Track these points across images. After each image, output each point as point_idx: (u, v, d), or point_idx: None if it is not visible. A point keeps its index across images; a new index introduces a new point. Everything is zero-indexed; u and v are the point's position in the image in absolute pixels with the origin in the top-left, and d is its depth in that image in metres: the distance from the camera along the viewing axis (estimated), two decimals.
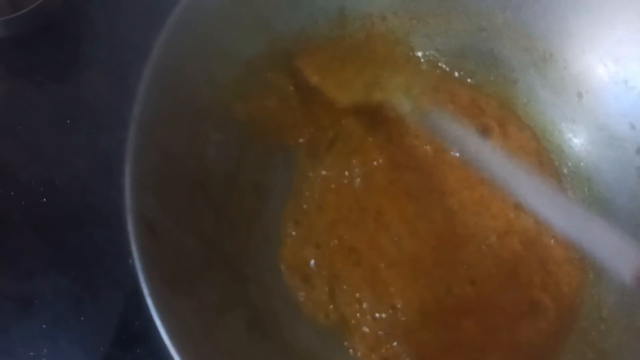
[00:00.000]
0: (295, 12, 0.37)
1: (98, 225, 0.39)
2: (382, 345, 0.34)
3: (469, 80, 0.41)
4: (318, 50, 0.38)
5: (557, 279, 0.36)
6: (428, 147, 0.38)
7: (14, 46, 0.43)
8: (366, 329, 0.35)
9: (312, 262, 0.36)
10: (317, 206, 0.37)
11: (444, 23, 0.40)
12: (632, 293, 0.35)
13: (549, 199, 0.28)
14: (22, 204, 0.40)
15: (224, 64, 0.34)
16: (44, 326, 0.37)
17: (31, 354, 0.36)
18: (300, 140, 0.38)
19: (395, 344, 0.34)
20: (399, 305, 0.35)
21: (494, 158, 0.31)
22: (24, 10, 0.40)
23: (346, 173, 0.38)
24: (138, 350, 0.37)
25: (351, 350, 0.35)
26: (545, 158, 0.39)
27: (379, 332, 0.35)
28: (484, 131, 0.39)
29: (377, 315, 0.35)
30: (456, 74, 0.41)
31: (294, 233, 0.37)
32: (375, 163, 0.38)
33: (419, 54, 0.41)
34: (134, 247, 0.27)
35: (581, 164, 0.39)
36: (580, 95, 0.39)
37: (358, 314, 0.35)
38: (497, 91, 0.41)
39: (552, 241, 0.37)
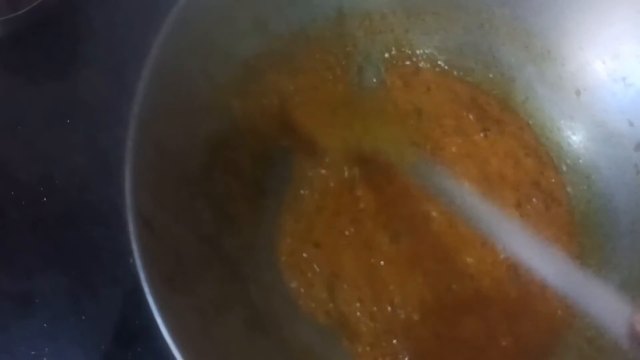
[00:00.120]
0: (293, 11, 0.37)
1: (97, 223, 0.39)
2: (381, 343, 0.34)
3: (468, 78, 0.41)
4: (310, 98, 0.38)
5: None
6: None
7: (12, 45, 0.43)
8: (365, 327, 0.35)
9: (311, 260, 0.36)
10: (316, 205, 0.37)
11: (443, 21, 0.40)
12: (631, 289, 0.35)
13: (542, 255, 0.28)
14: (22, 202, 0.40)
15: (222, 63, 0.34)
16: (44, 325, 0.37)
17: (32, 353, 0.36)
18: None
19: (394, 341, 0.34)
20: (398, 303, 0.35)
21: (488, 214, 0.31)
22: (23, 10, 0.40)
23: (345, 173, 0.38)
24: (138, 349, 0.37)
25: (351, 348, 0.35)
26: (545, 155, 0.39)
27: (378, 330, 0.35)
28: (484, 131, 0.39)
29: (376, 313, 0.35)
30: (455, 72, 0.41)
31: (292, 231, 0.37)
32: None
33: (418, 52, 0.41)
34: (134, 246, 0.27)
35: (580, 160, 0.39)
36: (578, 92, 0.39)
37: (357, 312, 0.35)
38: (495, 89, 0.41)
39: None
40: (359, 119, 0.37)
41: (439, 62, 0.41)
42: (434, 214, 0.36)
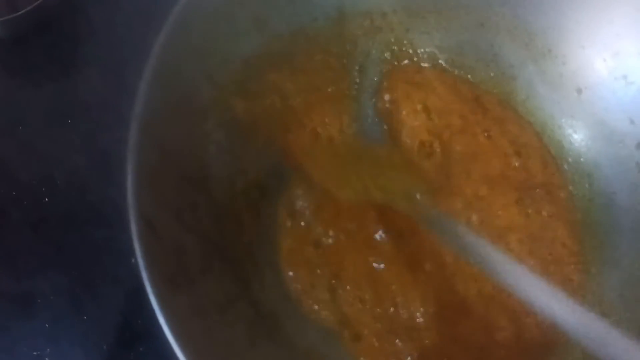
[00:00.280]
0: (293, 11, 0.37)
1: (99, 224, 0.39)
2: (384, 343, 0.34)
3: (468, 76, 0.41)
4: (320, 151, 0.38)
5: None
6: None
7: (12, 46, 0.43)
8: (368, 328, 0.35)
9: (312, 261, 0.36)
10: (317, 205, 0.37)
11: (443, 20, 0.40)
12: (633, 288, 0.35)
13: (559, 303, 0.28)
14: (23, 203, 0.40)
15: (222, 63, 0.34)
16: (46, 325, 0.37)
17: (34, 353, 0.36)
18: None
19: (397, 341, 0.34)
20: (400, 303, 0.35)
21: (503, 264, 0.31)
22: (22, 11, 0.40)
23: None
24: (140, 349, 0.37)
25: (354, 348, 0.35)
26: (547, 154, 0.39)
27: (381, 331, 0.34)
28: (486, 130, 0.39)
29: (378, 313, 0.35)
30: (456, 71, 0.41)
31: (293, 231, 0.37)
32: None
33: (419, 51, 0.41)
34: (136, 246, 0.27)
35: (581, 159, 0.39)
36: (579, 90, 0.39)
37: (359, 313, 0.35)
38: (496, 87, 0.41)
39: None
40: (368, 167, 0.37)
41: (440, 61, 0.41)
42: None
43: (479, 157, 0.38)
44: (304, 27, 0.38)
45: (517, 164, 0.39)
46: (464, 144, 0.39)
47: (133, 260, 0.27)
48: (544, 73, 0.40)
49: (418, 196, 0.35)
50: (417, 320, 0.35)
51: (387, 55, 0.41)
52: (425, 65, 0.41)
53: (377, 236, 0.36)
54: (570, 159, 0.39)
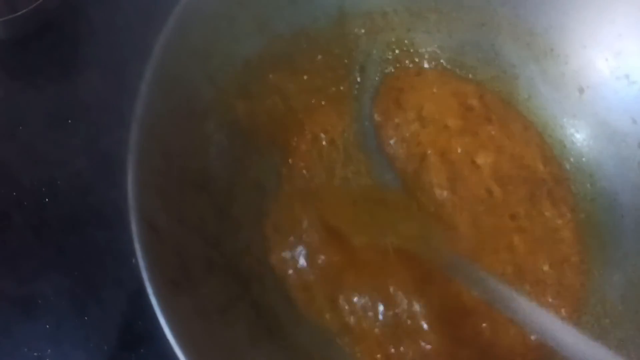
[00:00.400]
0: (294, 11, 0.37)
1: (100, 225, 0.39)
2: (386, 347, 0.34)
3: (470, 76, 0.41)
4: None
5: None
6: None
7: (12, 48, 0.43)
8: (370, 331, 0.34)
9: (314, 261, 0.36)
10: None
11: (445, 19, 0.40)
12: (635, 288, 0.35)
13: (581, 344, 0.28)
14: (24, 205, 0.40)
15: (223, 64, 0.34)
16: (47, 327, 0.37)
17: (35, 354, 0.36)
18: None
19: (401, 348, 0.34)
20: (402, 307, 0.35)
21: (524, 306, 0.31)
22: (22, 12, 0.40)
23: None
24: (142, 350, 0.37)
25: (355, 350, 0.34)
26: (549, 154, 0.39)
27: (382, 334, 0.34)
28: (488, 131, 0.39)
29: (380, 317, 0.34)
30: (457, 70, 0.41)
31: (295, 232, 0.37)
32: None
33: (420, 51, 0.41)
34: (137, 247, 0.27)
35: (583, 159, 0.39)
36: (581, 90, 0.39)
37: (360, 317, 0.34)
38: (498, 87, 0.41)
39: None
40: (382, 212, 0.37)
41: (441, 61, 0.41)
42: None
43: (480, 158, 0.38)
44: (305, 27, 0.38)
45: (518, 165, 0.38)
46: (464, 145, 0.39)
47: (133, 261, 0.27)
48: (545, 73, 0.40)
49: (435, 240, 0.35)
50: (420, 324, 0.34)
51: (388, 55, 0.41)
52: (426, 66, 0.41)
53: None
54: (572, 159, 0.39)
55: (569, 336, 0.28)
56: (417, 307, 0.34)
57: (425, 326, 0.34)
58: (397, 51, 0.41)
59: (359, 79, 0.40)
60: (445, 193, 0.37)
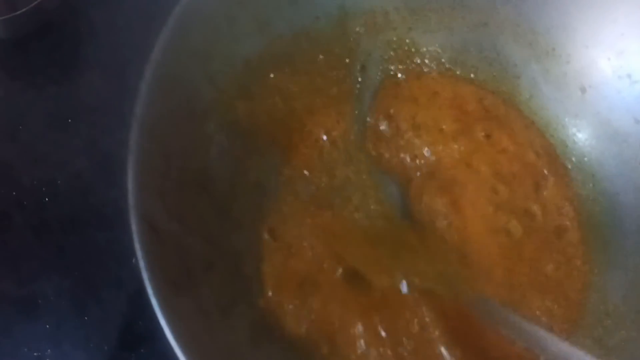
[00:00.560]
0: (295, 10, 0.37)
1: (100, 226, 0.39)
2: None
3: (471, 76, 0.41)
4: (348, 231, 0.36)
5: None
6: None
7: (12, 47, 0.43)
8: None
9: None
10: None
11: (446, 18, 0.40)
12: (638, 289, 0.35)
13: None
14: (24, 205, 0.40)
15: (224, 64, 0.34)
16: (47, 327, 0.37)
17: (35, 354, 0.36)
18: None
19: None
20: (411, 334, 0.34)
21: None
22: (21, 11, 0.40)
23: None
24: (142, 351, 0.37)
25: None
26: (553, 153, 0.39)
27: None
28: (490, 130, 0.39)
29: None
30: (458, 70, 0.41)
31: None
32: None
33: (422, 50, 0.41)
34: (137, 248, 0.27)
35: (585, 159, 0.39)
36: (583, 89, 0.39)
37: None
38: (499, 87, 0.40)
39: None
40: (401, 251, 0.36)
41: (442, 60, 0.41)
42: None
43: (483, 158, 0.38)
44: (305, 27, 0.38)
45: (520, 164, 0.38)
46: (465, 145, 0.38)
47: (133, 261, 0.27)
48: (547, 72, 0.39)
49: (456, 279, 0.34)
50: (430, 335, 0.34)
51: (389, 54, 0.41)
52: (427, 64, 0.41)
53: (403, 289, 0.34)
54: (574, 159, 0.39)
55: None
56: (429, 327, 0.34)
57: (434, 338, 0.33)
58: (398, 50, 0.41)
59: (359, 79, 0.40)
60: (445, 210, 0.36)
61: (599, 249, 0.37)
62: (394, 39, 0.40)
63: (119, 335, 0.37)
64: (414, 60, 0.41)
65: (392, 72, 0.40)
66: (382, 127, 0.39)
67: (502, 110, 0.40)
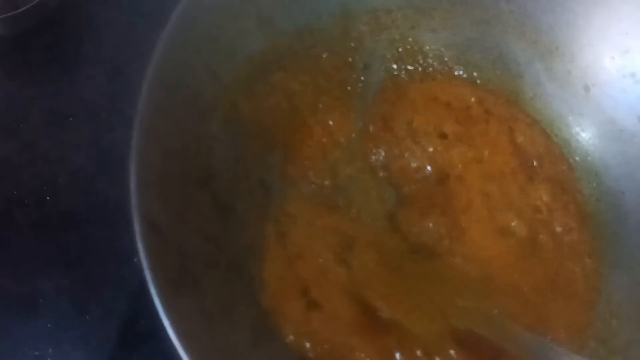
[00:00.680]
0: (298, 8, 0.37)
1: (101, 223, 0.39)
2: None
3: (474, 74, 0.41)
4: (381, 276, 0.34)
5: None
6: None
7: (13, 45, 0.43)
8: None
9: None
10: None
11: (449, 17, 0.40)
12: None
13: None
14: (25, 203, 0.39)
15: (227, 61, 0.34)
16: (48, 326, 0.37)
17: (36, 353, 0.36)
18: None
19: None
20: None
21: None
22: (23, 8, 0.40)
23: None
24: (143, 349, 0.37)
25: None
26: (558, 152, 0.39)
27: None
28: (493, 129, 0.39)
29: None
30: (462, 69, 0.41)
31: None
32: None
33: (425, 48, 0.41)
34: (139, 247, 0.26)
35: (589, 158, 0.39)
36: (587, 88, 0.39)
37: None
38: (503, 85, 0.40)
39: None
40: (436, 285, 0.34)
41: (445, 59, 0.41)
42: None
43: (485, 157, 0.38)
44: (309, 24, 0.37)
45: (523, 164, 0.38)
46: (464, 149, 0.38)
47: (135, 260, 0.27)
48: (551, 71, 0.39)
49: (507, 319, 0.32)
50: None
51: (392, 53, 0.40)
52: (430, 68, 0.40)
53: None
54: (577, 158, 0.39)
55: None
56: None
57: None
58: (401, 49, 0.40)
59: (362, 78, 0.40)
60: (444, 224, 0.36)
61: (603, 248, 0.37)
62: (397, 37, 0.40)
63: (120, 334, 0.37)
64: (417, 59, 0.41)
65: (395, 72, 0.40)
66: (380, 131, 0.39)
67: (503, 111, 0.40)
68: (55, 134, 0.41)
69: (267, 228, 0.35)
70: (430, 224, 0.35)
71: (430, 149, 0.38)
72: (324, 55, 0.38)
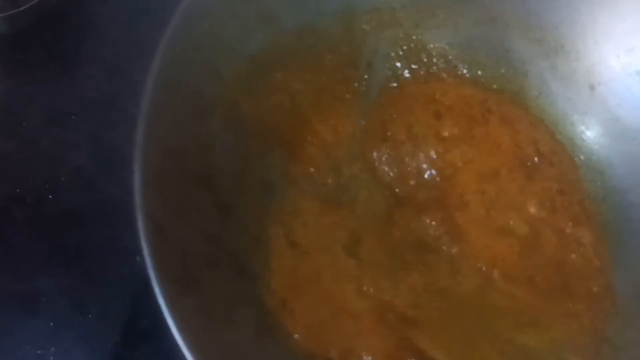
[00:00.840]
0: (301, 6, 0.37)
1: (103, 222, 0.39)
2: None
3: (478, 72, 0.40)
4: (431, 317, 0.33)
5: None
6: None
7: (14, 43, 0.43)
8: None
9: None
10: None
11: (453, 15, 0.40)
12: None
13: None
14: (26, 201, 0.39)
15: (229, 60, 0.34)
16: (50, 324, 0.37)
17: (38, 352, 0.36)
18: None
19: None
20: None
21: None
22: (23, 7, 0.40)
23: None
24: (145, 348, 0.37)
25: None
26: (562, 151, 0.39)
27: None
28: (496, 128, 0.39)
29: None
30: (466, 67, 0.41)
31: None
32: None
33: (428, 47, 0.40)
34: (143, 246, 0.26)
35: (594, 157, 0.39)
36: (592, 87, 0.39)
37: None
38: (507, 84, 0.40)
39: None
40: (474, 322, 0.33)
41: (449, 58, 0.41)
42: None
43: (487, 157, 0.38)
44: (311, 23, 0.37)
45: (526, 163, 0.38)
46: (465, 151, 0.38)
47: (138, 259, 0.27)
48: (556, 69, 0.39)
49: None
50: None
51: (396, 51, 0.40)
52: (435, 62, 0.40)
53: None
54: (582, 157, 0.39)
55: None
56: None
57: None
58: (404, 47, 0.40)
59: (366, 76, 0.40)
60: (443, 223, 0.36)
61: (608, 247, 0.37)
62: (401, 35, 0.40)
63: (123, 333, 0.37)
64: (421, 58, 0.41)
65: (398, 70, 0.40)
66: (382, 130, 0.39)
67: (507, 109, 0.40)
68: (56, 132, 0.41)
69: (271, 226, 0.35)
70: (429, 221, 0.36)
71: (431, 149, 0.38)
72: (327, 54, 0.38)
